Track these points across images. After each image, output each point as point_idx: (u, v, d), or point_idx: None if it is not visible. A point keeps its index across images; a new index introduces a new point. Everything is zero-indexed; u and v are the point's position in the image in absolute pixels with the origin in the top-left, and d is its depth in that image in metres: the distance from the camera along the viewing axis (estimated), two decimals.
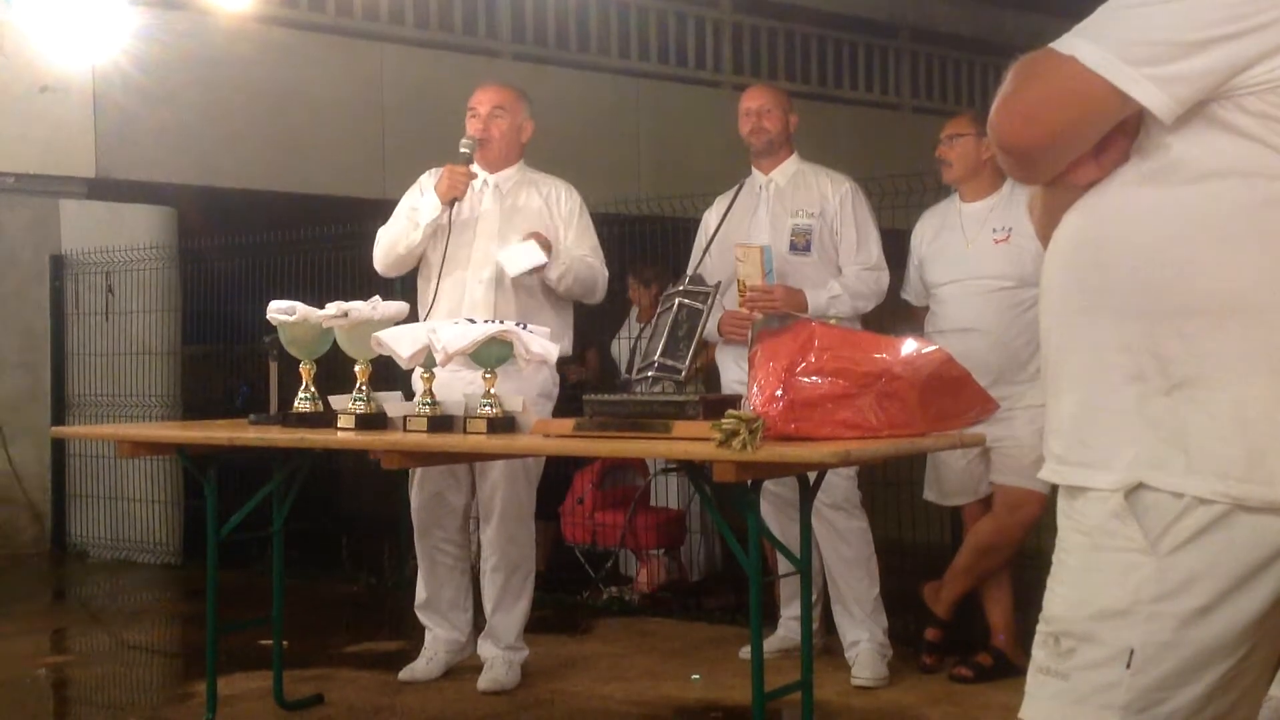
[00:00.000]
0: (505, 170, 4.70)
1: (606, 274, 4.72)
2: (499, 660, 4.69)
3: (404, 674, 4.74)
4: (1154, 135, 1.65)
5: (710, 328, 4.51)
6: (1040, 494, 4.44)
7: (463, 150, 4.54)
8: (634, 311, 7.14)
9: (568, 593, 6.38)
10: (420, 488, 4.74)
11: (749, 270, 4.57)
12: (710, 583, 6.43)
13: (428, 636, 4.81)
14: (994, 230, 4.62)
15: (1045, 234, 1.79)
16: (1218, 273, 1.59)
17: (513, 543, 4.69)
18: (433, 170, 4.66)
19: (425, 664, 4.75)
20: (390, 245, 4.62)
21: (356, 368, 3.91)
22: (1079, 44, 1.63)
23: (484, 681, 4.64)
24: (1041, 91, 1.66)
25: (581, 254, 4.64)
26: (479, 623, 4.83)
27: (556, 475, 7.05)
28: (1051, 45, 1.66)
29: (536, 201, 4.67)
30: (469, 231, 4.59)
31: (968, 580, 4.73)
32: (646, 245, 6.71)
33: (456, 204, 4.51)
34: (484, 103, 4.66)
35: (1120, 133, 1.67)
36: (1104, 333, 1.65)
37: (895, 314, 4.97)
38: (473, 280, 4.56)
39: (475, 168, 4.60)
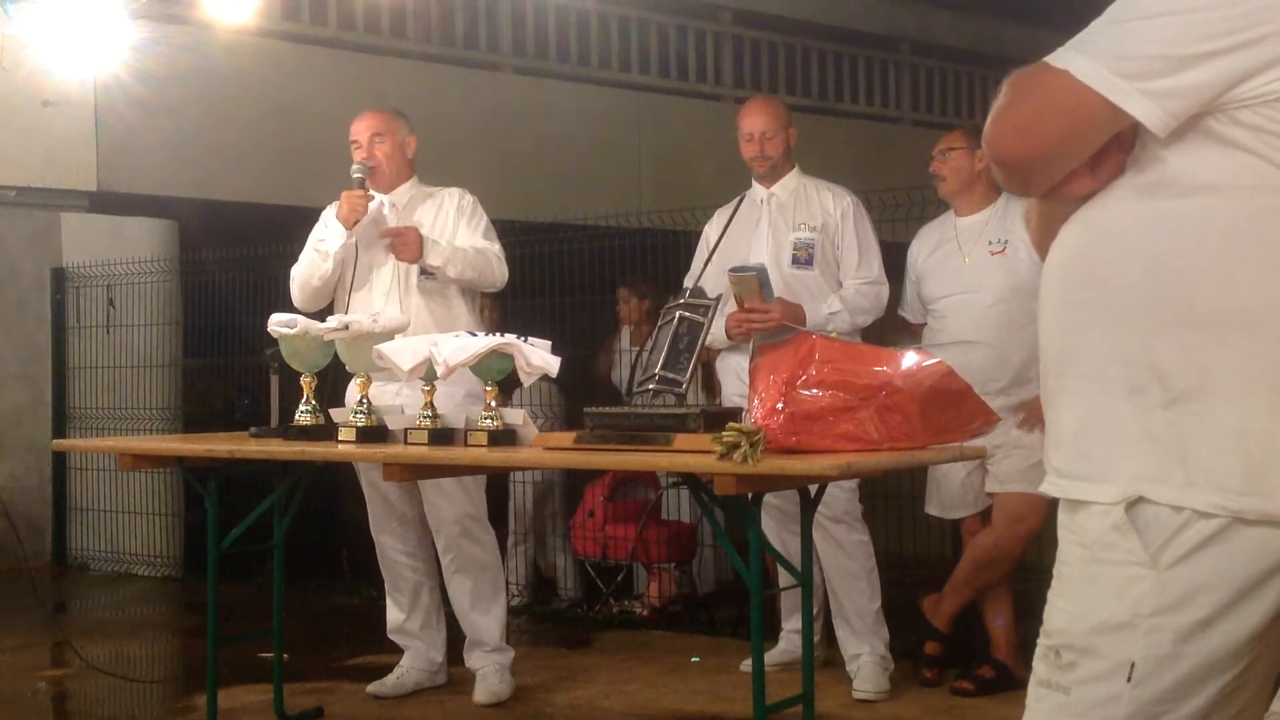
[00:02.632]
0: (399, 188, 4.80)
1: (500, 253, 4.72)
2: (490, 671, 4.71)
3: (372, 688, 4.77)
4: (1150, 148, 1.65)
5: (715, 333, 4.53)
6: (1039, 503, 4.44)
7: (355, 175, 4.65)
8: (625, 331, 7.10)
9: (567, 605, 6.38)
10: (370, 500, 4.79)
11: (747, 292, 4.55)
12: (715, 597, 6.42)
13: (404, 656, 4.84)
14: (990, 243, 4.64)
15: (1042, 246, 1.79)
16: (1216, 286, 1.59)
17: (471, 542, 4.70)
18: (333, 204, 4.75)
19: (395, 680, 4.79)
20: (305, 280, 4.71)
21: (357, 381, 3.91)
22: (1073, 58, 1.63)
23: (480, 694, 4.66)
24: (1036, 105, 1.66)
25: (471, 242, 4.68)
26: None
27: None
28: (1045, 59, 1.66)
29: (432, 212, 4.75)
30: (370, 253, 4.67)
31: (967, 593, 4.73)
32: (647, 258, 6.72)
33: (359, 225, 4.60)
34: (362, 132, 4.78)
35: (1116, 146, 1.67)
36: (1102, 346, 1.65)
37: (895, 328, 4.98)
38: (379, 295, 4.64)
39: (371, 192, 4.68)
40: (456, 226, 4.72)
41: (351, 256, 4.64)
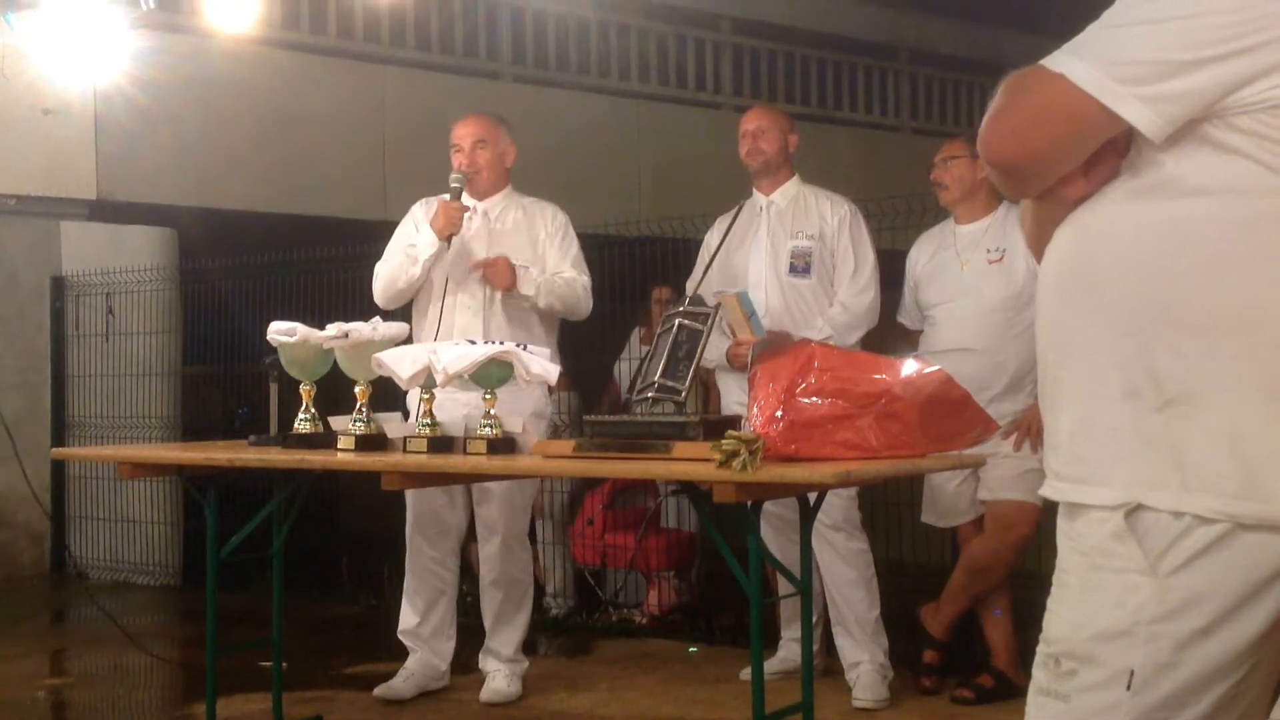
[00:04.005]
0: (493, 197, 4.82)
1: (588, 284, 4.78)
2: (500, 673, 4.80)
3: (379, 690, 4.81)
4: (1145, 152, 1.65)
5: (714, 353, 4.54)
6: (1031, 508, 4.45)
7: (453, 185, 4.65)
8: (636, 333, 7.13)
9: (566, 613, 6.37)
10: (414, 505, 4.81)
11: (732, 317, 4.58)
12: (714, 604, 6.41)
13: (410, 658, 4.88)
14: (988, 251, 4.66)
15: (1037, 247, 1.79)
16: (1211, 289, 1.58)
17: (512, 559, 4.81)
18: (424, 200, 4.79)
19: (402, 682, 4.83)
20: (390, 281, 4.73)
21: (357, 389, 3.91)
22: (1069, 62, 1.63)
23: (486, 693, 4.75)
24: (1031, 108, 1.66)
25: (559, 273, 4.72)
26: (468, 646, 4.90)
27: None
28: (1041, 62, 1.65)
29: (523, 225, 4.77)
30: (461, 259, 4.69)
31: (964, 601, 4.73)
32: (647, 266, 6.72)
33: (453, 237, 4.61)
34: (466, 137, 4.78)
35: (1111, 149, 1.67)
36: (1098, 349, 1.65)
37: (895, 335, 4.98)
38: (463, 306, 4.69)
39: (466, 199, 4.70)
40: (548, 247, 4.74)
41: (443, 263, 4.66)
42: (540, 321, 4.74)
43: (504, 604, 4.82)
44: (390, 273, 4.73)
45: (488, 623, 4.85)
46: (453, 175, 4.67)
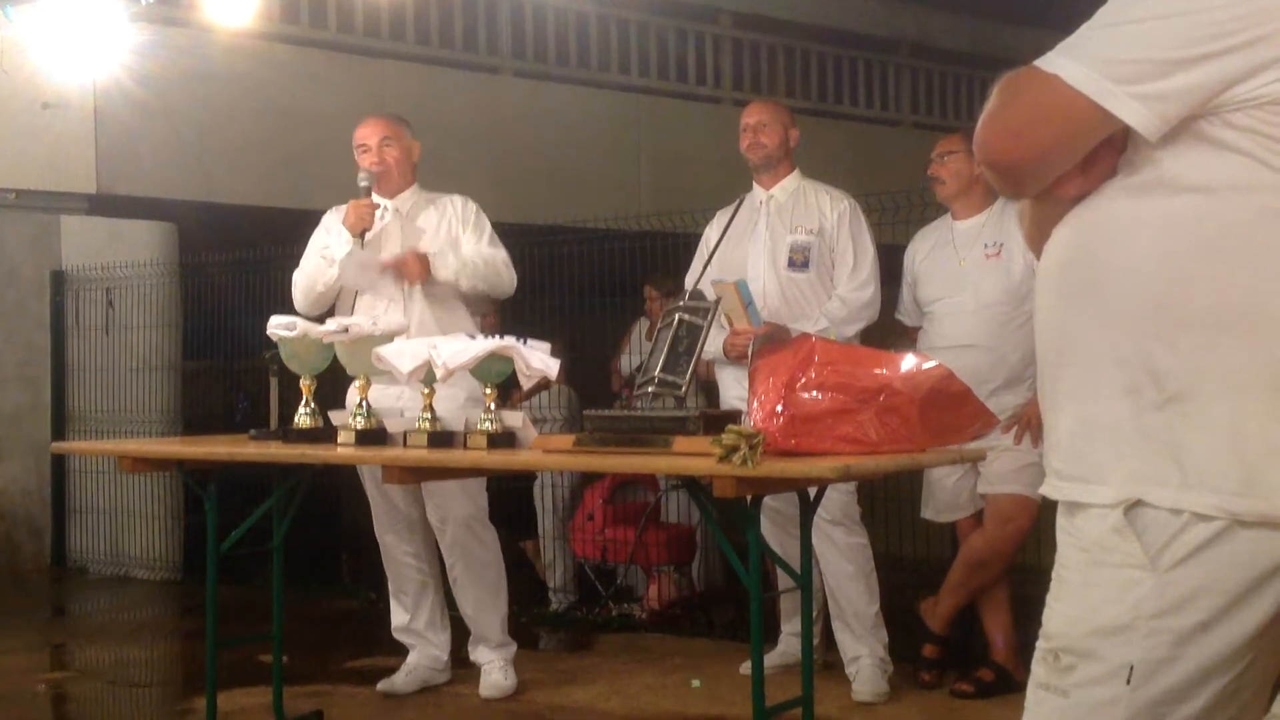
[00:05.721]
0: (403, 194, 4.84)
1: (507, 259, 4.77)
2: (494, 665, 4.79)
3: (382, 685, 4.83)
4: (1142, 150, 1.65)
5: (713, 346, 4.54)
6: (1029, 502, 4.45)
7: (362, 184, 4.68)
8: (641, 326, 7.13)
9: (566, 608, 6.37)
10: (375, 502, 4.84)
11: (730, 305, 4.58)
12: (710, 599, 6.41)
13: (410, 654, 4.90)
14: (986, 246, 4.66)
15: (1035, 245, 1.80)
16: (1209, 286, 1.58)
17: (474, 540, 4.77)
18: (335, 209, 4.81)
19: (404, 677, 4.85)
20: (309, 286, 4.75)
21: (357, 383, 3.91)
22: (1062, 62, 1.63)
23: (485, 689, 4.76)
24: (1026, 110, 1.66)
25: (477, 252, 4.72)
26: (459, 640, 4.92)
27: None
28: (1035, 63, 1.65)
29: (435, 218, 4.79)
30: (376, 255, 4.68)
31: (962, 595, 4.74)
32: (647, 260, 6.72)
33: (365, 234, 4.63)
34: (371, 136, 4.82)
35: (1108, 147, 1.67)
36: (1097, 347, 1.65)
37: (895, 332, 4.98)
38: (382, 303, 4.67)
39: (375, 197, 4.72)
40: (461, 234, 4.75)
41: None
42: (464, 305, 4.75)
43: (478, 591, 4.79)
44: (308, 278, 4.75)
45: (467, 614, 4.83)
46: (360, 174, 4.69)
